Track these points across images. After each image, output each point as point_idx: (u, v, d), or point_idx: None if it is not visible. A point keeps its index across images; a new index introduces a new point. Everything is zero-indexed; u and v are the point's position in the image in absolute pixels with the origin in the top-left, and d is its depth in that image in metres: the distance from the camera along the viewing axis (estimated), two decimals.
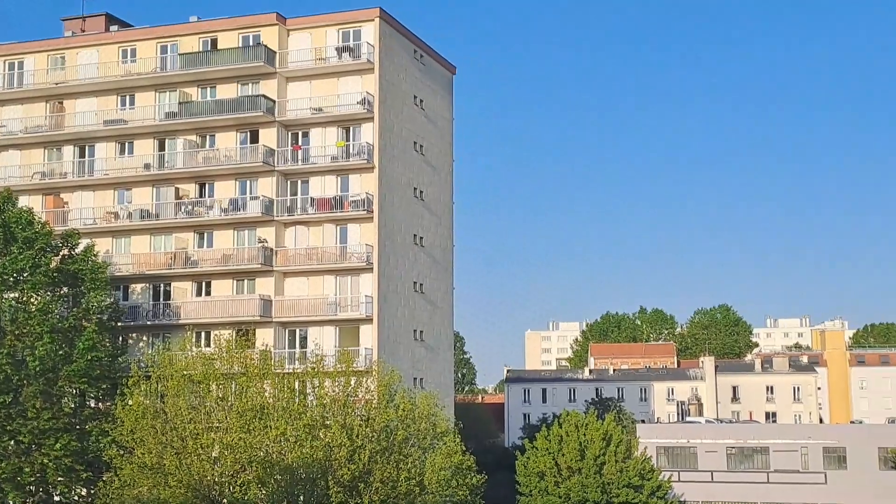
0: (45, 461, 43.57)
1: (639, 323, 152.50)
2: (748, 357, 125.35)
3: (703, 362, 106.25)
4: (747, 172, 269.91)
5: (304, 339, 50.73)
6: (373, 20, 51.60)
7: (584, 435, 54.46)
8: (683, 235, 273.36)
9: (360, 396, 39.50)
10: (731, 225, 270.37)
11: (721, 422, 77.04)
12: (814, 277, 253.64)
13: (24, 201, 52.31)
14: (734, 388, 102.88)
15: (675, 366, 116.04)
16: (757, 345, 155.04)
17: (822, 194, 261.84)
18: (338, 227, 51.54)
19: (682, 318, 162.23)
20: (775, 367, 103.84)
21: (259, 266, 50.61)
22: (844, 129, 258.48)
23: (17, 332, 44.81)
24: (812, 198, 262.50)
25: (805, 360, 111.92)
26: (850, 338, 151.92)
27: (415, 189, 55.00)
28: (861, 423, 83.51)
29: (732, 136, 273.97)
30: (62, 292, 47.07)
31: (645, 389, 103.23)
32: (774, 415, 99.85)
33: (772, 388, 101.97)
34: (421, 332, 54.59)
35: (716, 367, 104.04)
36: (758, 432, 65.96)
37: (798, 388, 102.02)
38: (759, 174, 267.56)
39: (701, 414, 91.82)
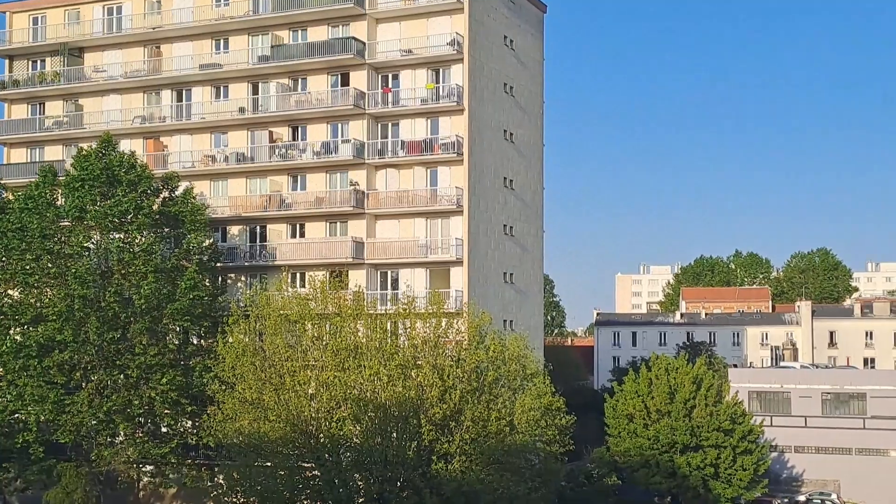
0: (153, 395, 45.65)
1: (733, 267, 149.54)
2: (847, 302, 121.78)
3: (799, 307, 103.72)
4: (845, 111, 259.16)
5: (395, 281, 51.45)
6: None
7: (674, 378, 54.06)
8: (780, 177, 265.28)
9: (450, 338, 40.01)
10: (831, 165, 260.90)
11: (817, 367, 75.46)
12: None
13: (125, 145, 54.01)
14: (831, 334, 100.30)
15: (770, 310, 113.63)
16: (857, 289, 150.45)
17: None
18: (428, 170, 51.72)
19: (779, 262, 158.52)
20: (876, 312, 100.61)
21: (351, 209, 51.32)
22: None
23: (123, 272, 46.70)
24: None
25: None
26: None
27: (505, 131, 54.64)
28: None
29: (829, 73, 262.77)
30: (164, 233, 48.67)
31: (738, 334, 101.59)
32: (873, 361, 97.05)
33: (871, 333, 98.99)
34: (511, 274, 54.74)
35: (812, 311, 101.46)
36: (855, 378, 64.45)
37: None
38: (858, 112, 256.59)
39: (796, 359, 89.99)
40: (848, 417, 61.51)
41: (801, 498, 57.69)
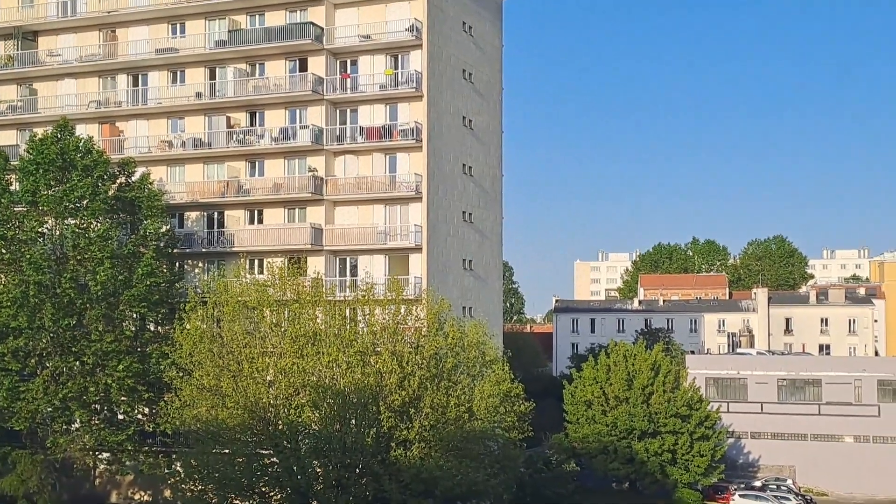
0: (109, 381, 45.17)
1: (690, 254, 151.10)
2: (803, 289, 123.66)
3: (755, 294, 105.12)
4: (804, 101, 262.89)
5: (354, 268, 51.31)
6: None
7: (632, 365, 54.60)
8: (737, 165, 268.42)
9: (409, 324, 40.01)
10: (787, 154, 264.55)
11: (773, 353, 76.58)
12: (873, 207, 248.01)
13: (80, 130, 53.17)
14: (787, 321, 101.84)
15: (727, 297, 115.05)
16: (812, 276, 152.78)
17: (883, 122, 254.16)
18: (387, 157, 51.59)
19: (736, 249, 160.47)
20: (831, 299, 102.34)
21: (309, 195, 51.04)
22: None
23: (78, 258, 46.08)
24: (871, 126, 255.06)
25: (862, 292, 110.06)
26: None
27: (464, 118, 54.64)
28: None
29: (785, 61, 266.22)
30: (120, 219, 48.10)
31: (695, 321, 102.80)
32: (828, 347, 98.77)
33: (826, 320, 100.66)
34: (470, 261, 54.83)
35: (769, 298, 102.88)
36: (810, 364, 65.61)
37: (854, 321, 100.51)
38: (815, 103, 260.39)
39: (752, 346, 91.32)
40: (803, 403, 62.62)
41: (758, 483, 58.64)
